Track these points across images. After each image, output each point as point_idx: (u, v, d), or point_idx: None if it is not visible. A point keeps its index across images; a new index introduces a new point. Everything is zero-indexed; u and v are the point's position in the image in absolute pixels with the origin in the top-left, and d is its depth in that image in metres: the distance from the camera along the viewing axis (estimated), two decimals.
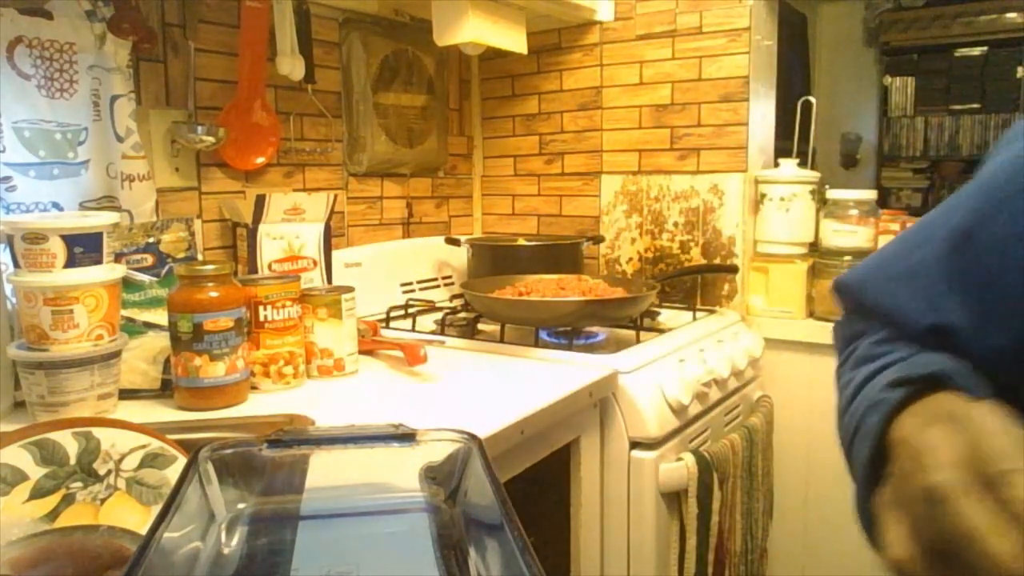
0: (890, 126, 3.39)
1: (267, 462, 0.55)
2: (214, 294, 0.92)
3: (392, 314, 1.42)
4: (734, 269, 1.55)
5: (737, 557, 1.27)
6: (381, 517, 0.56)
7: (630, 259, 1.70)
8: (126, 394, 0.94)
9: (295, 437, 0.55)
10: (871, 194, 1.55)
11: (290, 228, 1.26)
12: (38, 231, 0.82)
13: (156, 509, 0.60)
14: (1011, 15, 3.06)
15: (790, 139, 1.63)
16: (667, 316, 1.49)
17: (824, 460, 1.47)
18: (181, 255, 1.21)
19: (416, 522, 0.55)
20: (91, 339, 0.85)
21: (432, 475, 0.57)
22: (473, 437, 0.56)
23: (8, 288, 0.88)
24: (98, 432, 0.65)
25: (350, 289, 1.10)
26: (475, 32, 1.38)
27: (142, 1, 1.14)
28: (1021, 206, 0.47)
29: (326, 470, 0.57)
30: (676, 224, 1.62)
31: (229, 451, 0.54)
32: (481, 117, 1.90)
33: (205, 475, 0.52)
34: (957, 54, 3.23)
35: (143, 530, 0.49)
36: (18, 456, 0.61)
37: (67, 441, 0.63)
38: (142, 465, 0.65)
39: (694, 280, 1.62)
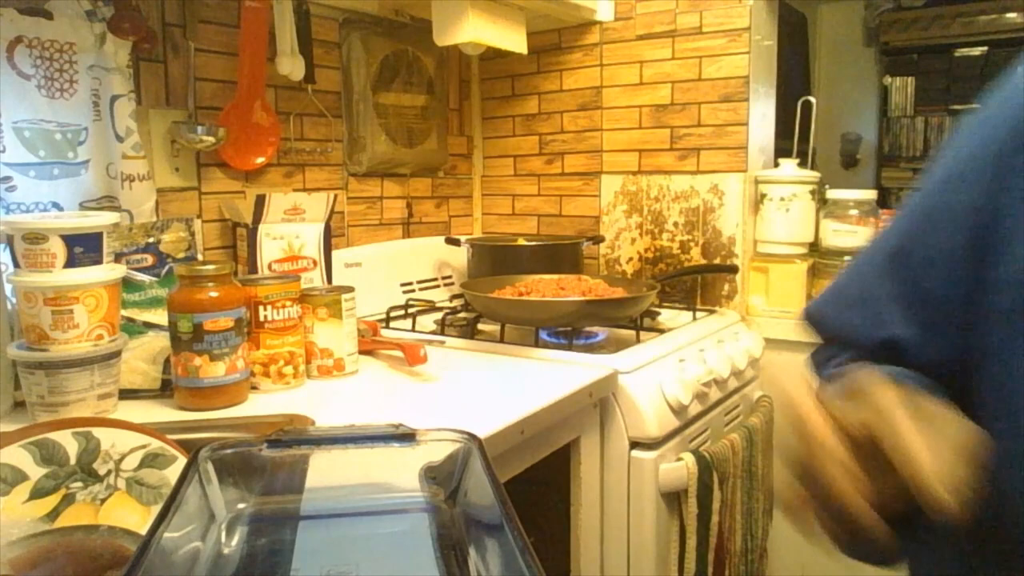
0: (890, 126, 3.39)
1: (267, 462, 0.55)
2: (214, 294, 0.92)
3: (392, 314, 1.42)
4: (734, 269, 1.55)
5: (737, 557, 1.27)
6: (381, 517, 0.56)
7: (630, 259, 1.70)
8: (126, 394, 0.93)
9: (295, 437, 0.55)
10: (871, 194, 1.55)
11: (290, 228, 1.26)
12: (38, 231, 0.82)
13: (156, 509, 0.60)
14: (1011, 15, 3.05)
15: (790, 139, 1.63)
16: (667, 316, 1.49)
17: None
18: (181, 255, 1.21)
19: (416, 522, 0.55)
20: (91, 339, 0.85)
21: (432, 475, 0.57)
22: (473, 437, 0.56)
23: (8, 288, 0.88)
24: (98, 432, 0.65)
25: (350, 289, 1.10)
26: (475, 32, 1.38)
27: (142, 1, 1.14)
28: (946, 226, 0.52)
29: (326, 470, 0.57)
30: (676, 224, 1.62)
31: (229, 451, 0.54)
32: (481, 117, 1.90)
33: (205, 475, 0.52)
34: (957, 54, 3.23)
35: (143, 530, 0.49)
36: (18, 456, 0.61)
37: (67, 441, 0.63)
38: (142, 465, 0.65)
39: (694, 280, 1.62)
